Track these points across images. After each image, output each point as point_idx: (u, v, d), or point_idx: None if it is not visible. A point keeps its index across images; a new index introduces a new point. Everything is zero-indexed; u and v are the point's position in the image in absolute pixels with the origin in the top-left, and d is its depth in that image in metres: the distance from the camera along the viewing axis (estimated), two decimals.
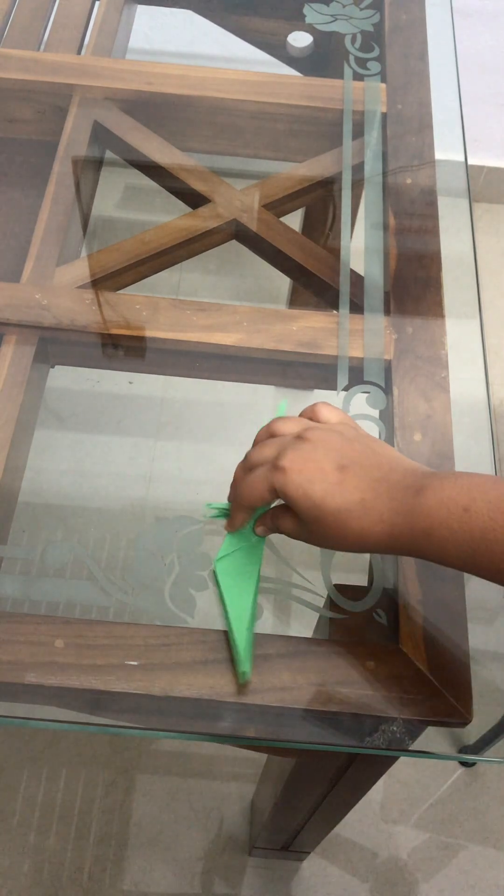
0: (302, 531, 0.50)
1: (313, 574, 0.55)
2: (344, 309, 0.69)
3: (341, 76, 0.84)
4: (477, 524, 0.42)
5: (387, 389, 0.64)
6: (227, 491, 0.56)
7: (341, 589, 0.55)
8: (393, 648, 0.53)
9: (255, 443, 0.53)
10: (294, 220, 0.84)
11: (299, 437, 0.49)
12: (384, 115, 0.81)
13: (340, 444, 0.49)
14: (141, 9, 1.00)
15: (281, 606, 0.57)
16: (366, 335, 0.67)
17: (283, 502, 0.50)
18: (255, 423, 0.59)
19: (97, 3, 0.92)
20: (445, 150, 0.79)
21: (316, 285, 0.73)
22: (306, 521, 0.48)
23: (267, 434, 0.53)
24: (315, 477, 0.47)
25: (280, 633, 0.53)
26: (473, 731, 0.52)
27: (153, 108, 0.82)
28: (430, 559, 0.45)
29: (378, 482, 0.46)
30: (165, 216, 0.74)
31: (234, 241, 0.76)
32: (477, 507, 0.42)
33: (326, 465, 0.47)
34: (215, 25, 1.01)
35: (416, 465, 0.48)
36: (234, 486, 0.53)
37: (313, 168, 0.78)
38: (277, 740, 0.49)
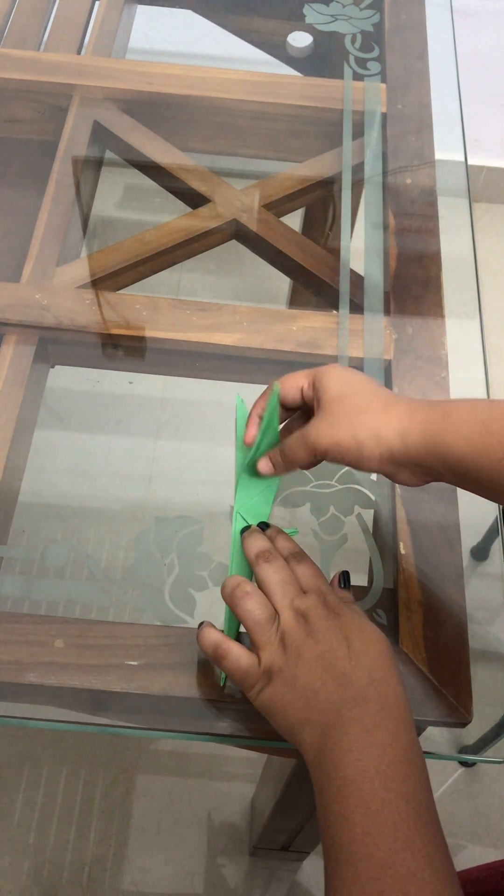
0: (310, 426, 0.51)
1: None
2: (344, 309, 0.69)
3: (341, 76, 0.84)
4: (497, 409, 0.45)
5: None
6: (227, 491, 0.56)
7: None
8: (393, 648, 0.53)
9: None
10: (294, 220, 0.83)
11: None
12: (384, 115, 0.81)
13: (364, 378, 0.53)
14: (141, 9, 1.00)
15: None
16: (366, 335, 0.67)
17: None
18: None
19: (97, 3, 0.92)
20: (445, 150, 0.79)
21: (316, 285, 0.73)
22: (328, 402, 0.50)
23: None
24: (343, 370, 0.52)
25: None
26: (473, 731, 0.52)
27: (153, 108, 0.82)
28: (439, 451, 0.46)
29: (400, 398, 0.50)
30: (165, 216, 0.74)
31: (234, 241, 0.76)
32: (498, 414, 0.45)
33: (354, 372, 0.52)
34: (215, 25, 1.01)
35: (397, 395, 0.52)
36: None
37: (313, 168, 0.78)
38: (277, 740, 0.49)
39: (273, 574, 0.49)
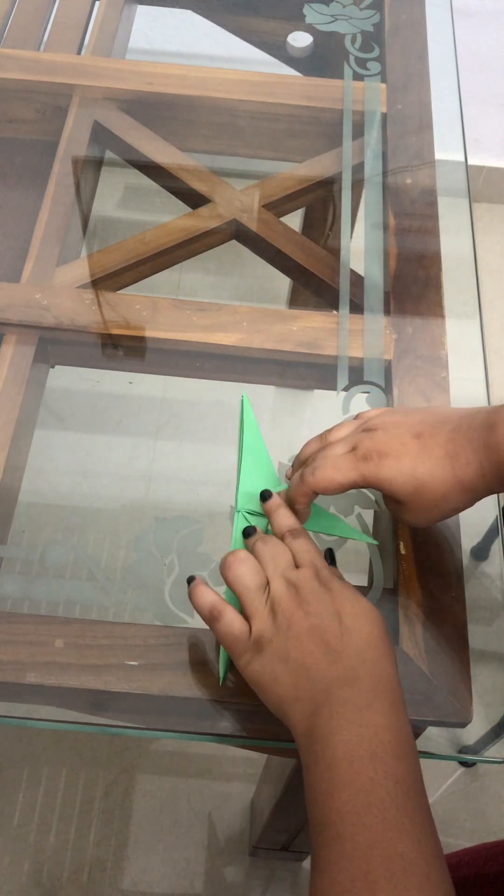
0: (404, 511, 0.50)
1: None
2: (344, 309, 0.69)
3: (341, 76, 0.84)
4: None
5: (387, 389, 0.64)
6: (227, 491, 0.56)
7: None
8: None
9: (304, 449, 0.54)
10: (294, 220, 0.83)
11: (367, 429, 0.50)
12: (384, 115, 0.81)
13: (403, 418, 0.50)
14: (141, 9, 0.99)
15: None
16: (366, 335, 0.67)
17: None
18: None
19: (97, 3, 0.92)
20: (445, 150, 0.79)
21: (316, 285, 0.73)
22: (405, 498, 0.49)
23: (318, 442, 0.53)
24: (399, 451, 0.48)
25: None
26: (473, 731, 0.52)
27: (153, 108, 0.82)
28: None
29: (453, 432, 0.48)
30: (165, 216, 0.74)
31: (234, 241, 0.76)
32: None
33: (404, 438, 0.48)
34: (215, 25, 1.01)
35: (473, 408, 0.50)
36: (309, 475, 0.51)
37: (313, 168, 0.78)
38: (277, 740, 0.49)
39: (267, 548, 0.50)
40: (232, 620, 0.47)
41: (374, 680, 0.43)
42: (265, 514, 0.54)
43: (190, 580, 0.51)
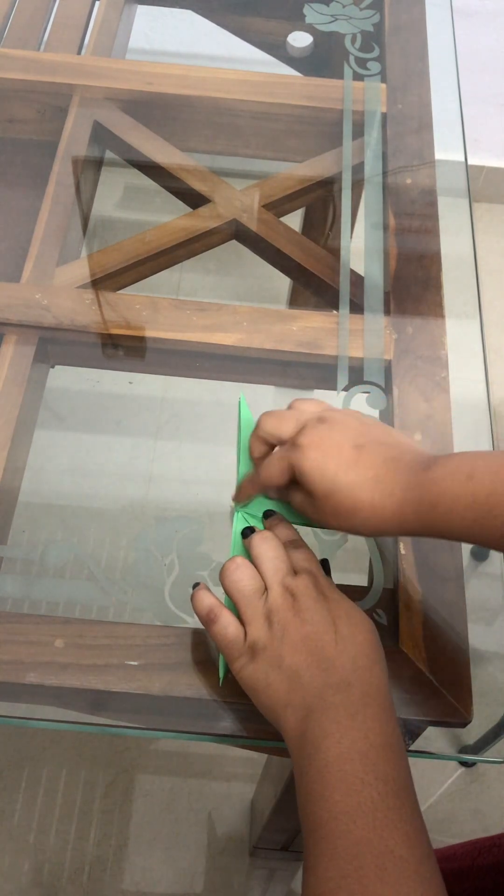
0: (310, 506, 0.50)
1: None
2: (344, 309, 0.69)
3: (341, 76, 0.84)
4: (480, 489, 0.43)
5: (387, 389, 0.64)
6: (227, 491, 0.56)
7: (341, 589, 0.55)
8: (393, 648, 0.53)
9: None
10: (294, 220, 0.83)
11: (319, 419, 0.50)
12: (384, 115, 0.81)
13: (357, 425, 0.50)
14: (141, 9, 0.99)
15: None
16: (366, 335, 0.67)
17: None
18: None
19: (97, 3, 0.92)
20: (445, 150, 0.79)
21: (316, 285, 0.73)
22: (318, 497, 0.48)
23: (275, 419, 0.53)
24: (331, 453, 0.48)
25: None
26: (473, 731, 0.52)
27: (153, 108, 0.82)
28: (438, 533, 0.46)
29: (391, 461, 0.47)
30: (165, 216, 0.74)
31: (234, 241, 0.76)
32: (479, 474, 0.43)
33: (343, 443, 0.48)
34: (215, 25, 1.01)
35: (426, 451, 0.50)
36: (257, 471, 0.53)
37: (313, 168, 0.78)
38: (277, 740, 0.49)
39: (267, 551, 0.50)
40: (227, 625, 0.48)
41: (365, 687, 0.44)
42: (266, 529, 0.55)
43: (194, 586, 0.51)
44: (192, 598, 0.50)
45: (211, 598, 0.50)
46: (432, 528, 0.46)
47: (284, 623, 0.46)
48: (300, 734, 0.43)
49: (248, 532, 0.53)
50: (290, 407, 0.54)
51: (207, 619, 0.49)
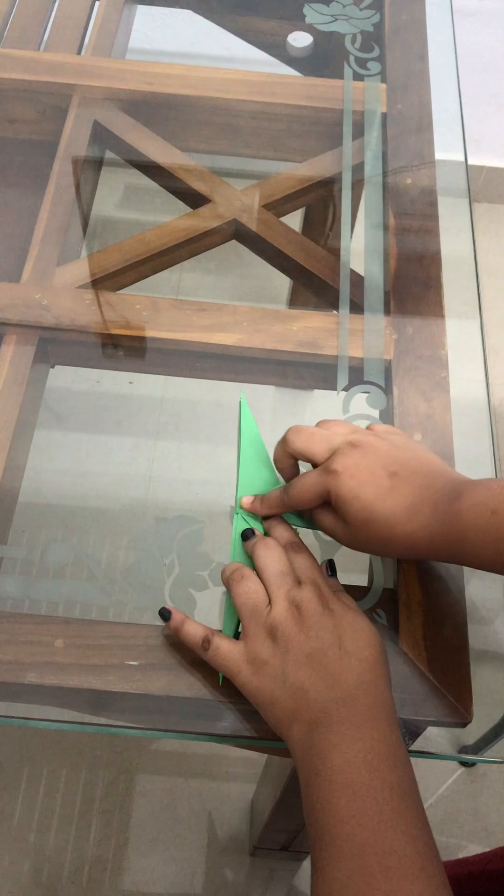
0: (344, 532, 0.50)
1: None
2: (344, 309, 0.69)
3: (341, 76, 0.84)
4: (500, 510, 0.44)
5: (387, 389, 0.64)
6: (227, 491, 0.56)
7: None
8: (393, 648, 0.53)
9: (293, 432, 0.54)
10: (294, 220, 0.84)
11: (350, 443, 0.50)
12: (384, 115, 0.81)
13: (389, 450, 0.50)
14: (141, 9, 0.99)
15: None
16: (366, 335, 0.67)
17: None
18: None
19: (97, 3, 0.92)
20: (445, 150, 0.79)
21: (316, 285, 0.73)
22: (353, 524, 0.49)
23: (305, 435, 0.54)
24: (367, 481, 0.48)
25: None
26: (473, 731, 0.52)
27: (153, 108, 0.82)
28: (467, 563, 0.47)
29: (424, 489, 0.48)
30: (165, 216, 0.74)
31: (234, 241, 0.76)
32: (503, 510, 0.44)
33: (378, 470, 0.49)
34: (215, 25, 1.01)
35: (456, 473, 0.50)
36: (287, 490, 0.53)
37: (313, 168, 0.78)
38: (277, 740, 0.49)
39: (271, 563, 0.50)
40: (218, 645, 0.49)
41: (371, 700, 0.44)
42: (265, 531, 0.55)
43: (164, 614, 0.51)
44: (177, 631, 0.51)
45: (198, 630, 0.50)
46: (461, 559, 0.47)
47: (288, 638, 0.46)
48: (307, 747, 0.44)
49: (248, 534, 0.53)
50: (318, 426, 0.54)
51: (202, 649, 0.49)
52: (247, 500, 0.55)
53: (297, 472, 0.55)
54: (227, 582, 0.51)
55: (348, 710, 0.44)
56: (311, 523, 0.55)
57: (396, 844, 0.38)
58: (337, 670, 0.45)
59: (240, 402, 0.59)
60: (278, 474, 0.57)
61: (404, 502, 0.47)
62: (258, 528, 0.55)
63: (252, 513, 0.55)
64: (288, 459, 0.54)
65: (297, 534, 0.53)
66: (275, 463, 0.55)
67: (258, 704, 0.47)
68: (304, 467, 0.55)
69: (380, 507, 0.48)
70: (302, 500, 0.51)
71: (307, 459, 0.53)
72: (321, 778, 0.42)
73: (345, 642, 0.46)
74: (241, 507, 0.56)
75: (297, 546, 0.52)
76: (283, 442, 0.54)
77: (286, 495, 0.53)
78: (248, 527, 0.54)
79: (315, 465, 0.52)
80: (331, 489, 0.49)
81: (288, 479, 0.55)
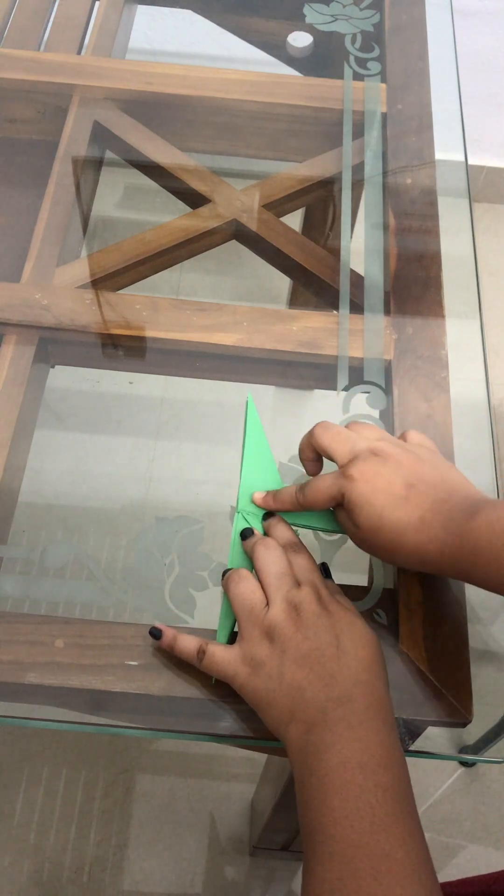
0: (355, 535, 0.51)
1: None
2: (344, 309, 0.69)
3: (341, 76, 0.84)
4: None
5: (387, 389, 0.64)
6: (227, 491, 0.56)
7: (342, 589, 0.55)
8: (393, 648, 0.53)
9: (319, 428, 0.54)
10: (294, 220, 0.84)
11: (373, 451, 0.50)
12: (384, 115, 0.81)
13: (410, 462, 0.50)
14: (141, 9, 0.99)
15: None
16: (366, 335, 0.67)
17: None
18: None
19: (97, 3, 0.92)
20: (445, 150, 0.79)
21: (316, 285, 0.73)
22: (363, 529, 0.49)
23: (331, 435, 0.54)
24: (381, 488, 0.48)
25: None
26: (473, 731, 0.52)
27: (153, 108, 0.82)
28: (476, 581, 0.47)
29: (440, 503, 0.48)
30: (165, 216, 0.74)
31: (234, 241, 0.76)
32: None
33: (395, 480, 0.49)
34: (215, 25, 1.01)
35: (478, 491, 0.50)
36: (303, 489, 0.53)
37: (313, 168, 0.78)
38: (276, 740, 0.48)
39: (270, 564, 0.50)
40: (213, 653, 0.49)
41: (367, 701, 0.44)
42: (265, 530, 0.55)
43: (154, 633, 0.51)
44: (171, 647, 0.51)
45: (191, 642, 0.50)
46: (471, 577, 0.47)
47: (285, 639, 0.46)
48: (303, 747, 0.44)
49: (247, 533, 0.54)
50: (348, 427, 0.54)
51: (198, 659, 0.50)
52: (259, 496, 0.55)
53: (320, 466, 0.55)
54: (225, 583, 0.51)
55: (345, 710, 0.44)
56: (311, 522, 0.55)
57: (388, 848, 0.38)
58: (334, 669, 0.45)
59: (246, 402, 0.59)
60: (298, 468, 0.57)
61: (417, 514, 0.48)
62: (258, 528, 0.55)
63: (264, 508, 0.55)
64: (311, 452, 0.54)
65: (296, 534, 0.53)
66: (299, 453, 0.55)
67: (255, 705, 0.47)
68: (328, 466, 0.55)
69: (389, 516, 0.48)
70: (316, 502, 0.52)
71: (329, 457, 0.53)
72: (315, 778, 0.42)
73: (342, 642, 0.46)
74: (253, 502, 0.56)
75: (296, 546, 0.52)
76: (310, 434, 0.54)
77: (301, 494, 0.53)
78: (248, 526, 0.54)
79: (336, 464, 0.52)
80: (345, 493, 0.49)
81: (311, 473, 0.55)
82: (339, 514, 0.52)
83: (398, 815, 0.40)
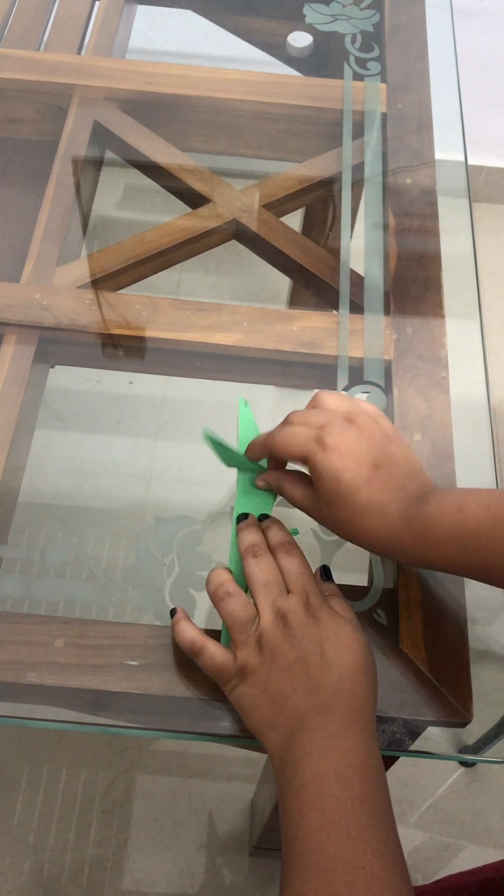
0: (312, 505, 0.51)
1: None
2: (344, 309, 0.69)
3: (341, 76, 0.84)
4: (469, 521, 0.44)
5: (387, 389, 0.64)
6: (227, 491, 0.56)
7: (341, 589, 0.55)
8: (393, 648, 0.53)
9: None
10: (294, 220, 0.83)
11: (348, 420, 0.50)
12: (384, 115, 0.81)
13: (381, 440, 0.50)
14: (141, 9, 0.99)
15: None
16: (366, 335, 0.67)
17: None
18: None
19: (97, 3, 0.92)
20: (445, 150, 0.79)
21: (316, 285, 0.73)
22: (324, 501, 0.49)
23: (311, 405, 0.53)
24: (349, 466, 0.48)
25: None
26: (473, 731, 0.52)
27: (153, 108, 0.82)
28: (427, 564, 0.48)
29: (399, 489, 0.48)
30: (165, 216, 0.74)
31: (234, 241, 0.76)
32: (469, 507, 0.45)
33: (365, 457, 0.48)
34: (215, 25, 1.01)
35: (430, 480, 0.50)
36: (273, 433, 0.52)
37: (313, 168, 0.78)
38: None
39: (259, 573, 0.50)
40: (213, 654, 0.49)
41: (346, 710, 0.45)
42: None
43: (172, 612, 0.52)
44: (173, 629, 0.51)
45: (191, 631, 0.50)
46: (422, 560, 0.47)
47: (273, 648, 0.47)
48: (282, 754, 0.44)
49: (241, 518, 0.54)
50: (313, 399, 0.53)
51: (192, 652, 0.50)
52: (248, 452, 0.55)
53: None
54: (213, 599, 0.51)
55: (324, 719, 0.44)
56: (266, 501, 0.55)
57: (363, 861, 0.39)
58: (317, 677, 0.46)
59: (239, 404, 0.59)
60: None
61: (376, 497, 0.48)
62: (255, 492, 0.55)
63: (253, 461, 0.55)
64: (264, 453, 0.54)
65: (291, 535, 0.53)
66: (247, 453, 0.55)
67: (241, 710, 0.48)
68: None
69: (353, 496, 0.48)
70: (284, 450, 0.50)
71: (304, 425, 0.51)
72: (293, 788, 0.42)
73: (326, 651, 0.46)
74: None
75: (288, 547, 0.52)
76: (287, 419, 0.53)
77: (270, 437, 0.51)
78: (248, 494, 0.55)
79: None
80: (315, 460, 0.49)
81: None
82: (289, 484, 0.52)
83: (374, 826, 0.40)
